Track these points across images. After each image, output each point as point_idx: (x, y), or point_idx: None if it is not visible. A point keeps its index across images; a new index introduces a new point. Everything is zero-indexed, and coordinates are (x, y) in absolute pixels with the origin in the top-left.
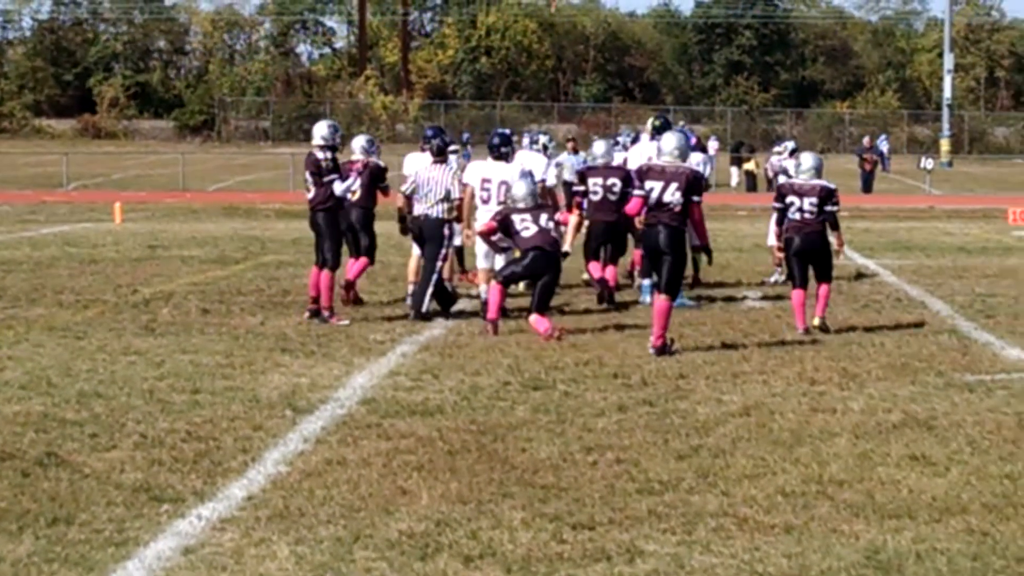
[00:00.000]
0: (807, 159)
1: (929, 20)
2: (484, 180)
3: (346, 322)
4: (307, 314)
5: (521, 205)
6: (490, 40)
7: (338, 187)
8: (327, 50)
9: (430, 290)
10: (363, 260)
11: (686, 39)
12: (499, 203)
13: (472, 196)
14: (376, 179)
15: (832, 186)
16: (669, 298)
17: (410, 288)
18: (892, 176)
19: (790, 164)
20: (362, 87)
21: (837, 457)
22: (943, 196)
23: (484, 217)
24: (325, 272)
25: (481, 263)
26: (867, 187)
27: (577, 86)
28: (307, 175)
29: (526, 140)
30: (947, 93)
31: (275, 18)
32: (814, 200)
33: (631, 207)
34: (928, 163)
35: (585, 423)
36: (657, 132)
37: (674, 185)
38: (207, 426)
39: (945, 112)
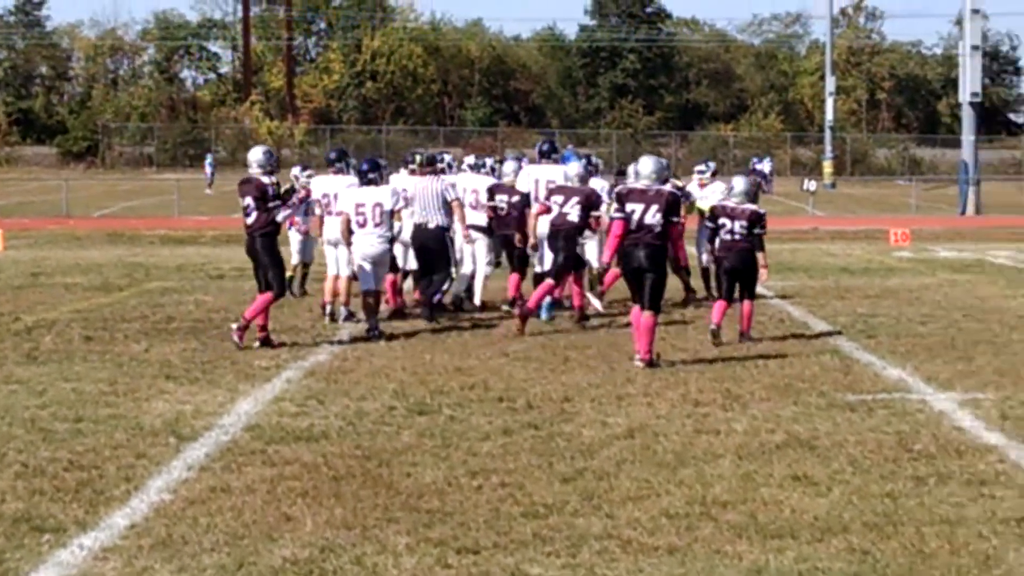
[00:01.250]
0: (739, 183)
1: (811, 43)
2: (358, 204)
3: (256, 345)
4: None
5: (568, 184)
6: (375, 64)
7: (280, 214)
8: (212, 75)
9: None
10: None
11: (571, 63)
12: (375, 224)
13: (348, 221)
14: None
15: (762, 211)
16: (653, 314)
17: (327, 308)
18: (775, 198)
19: (693, 188)
20: (247, 112)
21: (721, 478)
22: (826, 217)
23: (361, 241)
24: (268, 294)
25: (365, 285)
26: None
27: (463, 110)
28: (248, 200)
29: (469, 159)
30: (829, 115)
31: (159, 43)
32: (744, 223)
33: (614, 230)
34: (811, 185)
35: (470, 447)
36: (543, 156)
37: (655, 207)
38: (89, 455)
39: (827, 134)
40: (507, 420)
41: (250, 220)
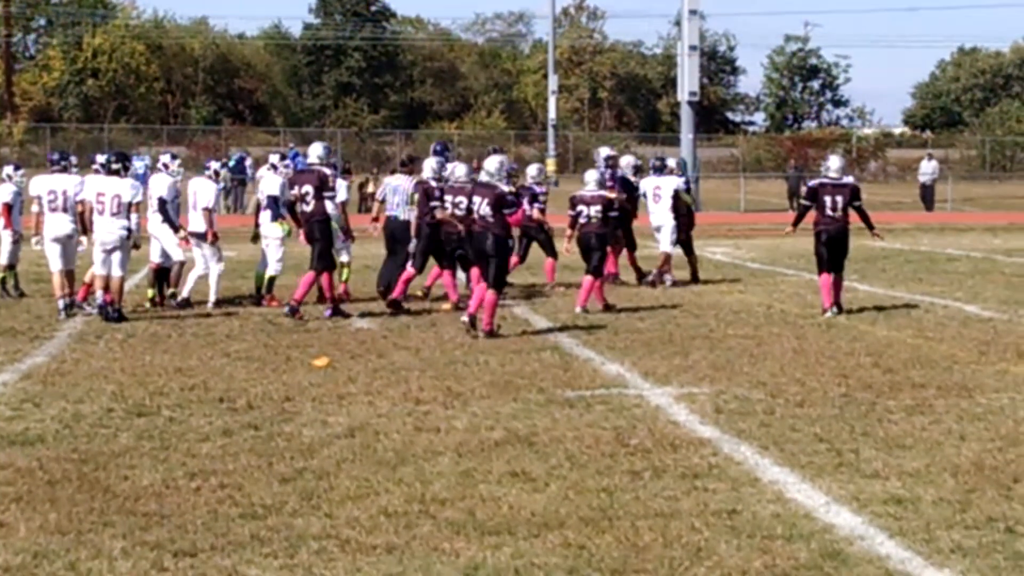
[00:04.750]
0: (591, 175)
1: (534, 42)
2: (99, 194)
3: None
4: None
5: (485, 178)
6: (97, 62)
7: (330, 205)
8: None
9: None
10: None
11: (296, 61)
12: (112, 214)
13: (91, 210)
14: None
15: (612, 196)
16: (495, 292)
17: (60, 303)
18: None
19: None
20: None
21: (440, 476)
22: (550, 214)
23: (99, 228)
24: (326, 274)
25: (98, 270)
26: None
27: (187, 108)
28: (308, 188)
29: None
30: (552, 114)
31: None
32: (599, 208)
33: (516, 217)
34: None
35: (189, 449)
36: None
37: (487, 200)
38: None
39: (550, 132)
40: (227, 421)
41: (309, 208)
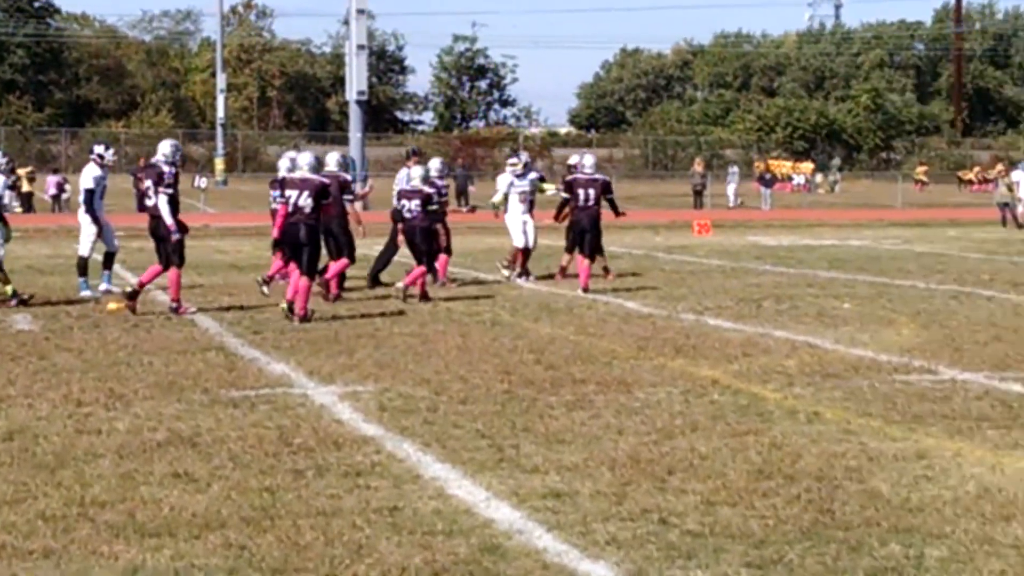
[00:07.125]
0: (417, 171)
1: (202, 40)
2: None
3: (194, 309)
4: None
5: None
6: None
7: (163, 199)
8: None
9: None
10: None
11: None
12: None
13: None
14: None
15: (430, 191)
16: (309, 279)
17: None
18: None
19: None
20: None
21: (100, 478)
22: (217, 214)
23: None
24: (171, 268)
25: None
26: (141, 207)
27: None
28: (149, 184)
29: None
30: (220, 112)
31: None
32: (418, 202)
33: (279, 211)
34: (202, 182)
35: None
36: None
37: (306, 192)
38: None
39: (219, 131)
40: None
41: (151, 203)
